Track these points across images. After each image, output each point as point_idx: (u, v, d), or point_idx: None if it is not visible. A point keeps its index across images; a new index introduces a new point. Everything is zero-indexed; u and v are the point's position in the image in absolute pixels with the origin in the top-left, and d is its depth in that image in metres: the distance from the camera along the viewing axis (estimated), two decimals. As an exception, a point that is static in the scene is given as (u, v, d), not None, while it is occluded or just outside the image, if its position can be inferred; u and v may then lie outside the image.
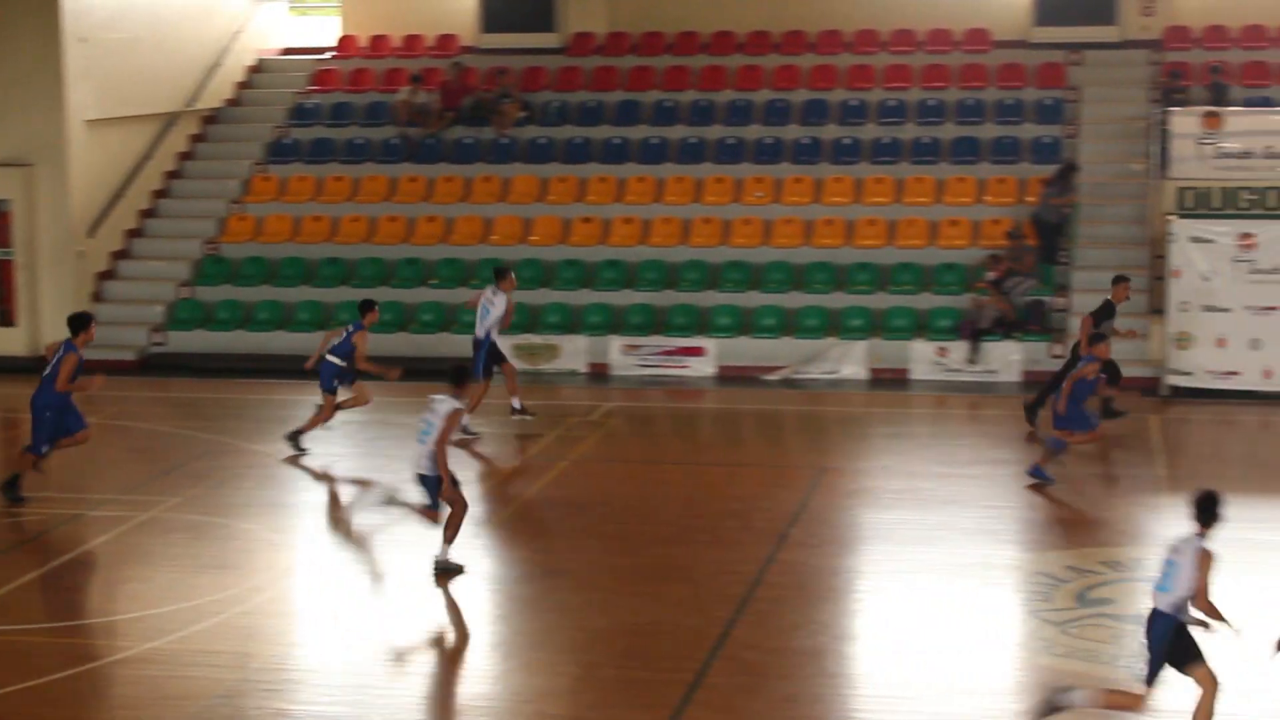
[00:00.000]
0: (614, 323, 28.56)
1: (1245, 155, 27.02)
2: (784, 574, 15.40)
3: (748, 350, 27.49)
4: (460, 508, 15.55)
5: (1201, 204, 26.79)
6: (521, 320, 27.74)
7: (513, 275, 22.69)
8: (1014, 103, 31.57)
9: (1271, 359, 24.71)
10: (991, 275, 26.98)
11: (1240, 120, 27.55)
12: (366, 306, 21.15)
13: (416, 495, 15.64)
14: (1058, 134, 30.58)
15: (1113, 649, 13.28)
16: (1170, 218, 25.94)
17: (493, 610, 14.84)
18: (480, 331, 22.24)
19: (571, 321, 28.59)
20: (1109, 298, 22.15)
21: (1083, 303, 26.69)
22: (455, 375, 15.69)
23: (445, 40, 35.34)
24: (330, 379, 20.88)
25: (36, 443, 18.11)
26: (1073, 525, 17.41)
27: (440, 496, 15.44)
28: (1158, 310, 25.77)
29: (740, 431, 24.17)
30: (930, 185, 29.97)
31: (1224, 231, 25.09)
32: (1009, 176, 29.79)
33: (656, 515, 17.93)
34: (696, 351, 27.48)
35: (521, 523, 17.87)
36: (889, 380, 26.51)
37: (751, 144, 31.51)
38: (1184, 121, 27.41)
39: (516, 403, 22.39)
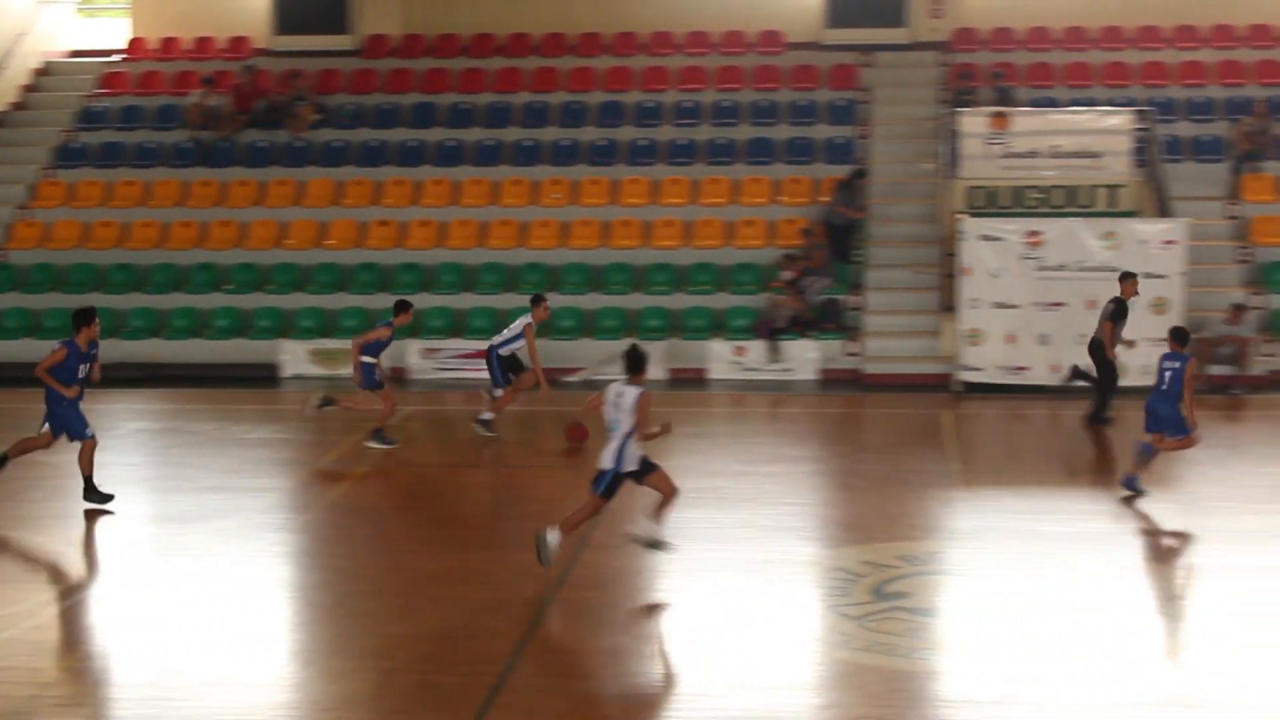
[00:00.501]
0: (411, 326, 28.39)
1: (1031, 155, 27.64)
2: (586, 575, 15.39)
3: (547, 352, 27.42)
4: (670, 490, 15.25)
5: (990, 203, 27.36)
6: (317, 325, 27.48)
7: (546, 304, 22.45)
8: (807, 104, 31.95)
9: (1059, 354, 25.28)
10: (787, 275, 27.27)
11: (1026, 121, 28.18)
12: (401, 306, 21.29)
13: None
14: (850, 135, 31.01)
15: (910, 641, 13.46)
16: (960, 216, 26.42)
17: (292, 617, 14.64)
18: (496, 340, 22.23)
19: (368, 325, 28.36)
20: (1118, 295, 21.87)
21: (877, 301, 27.13)
22: (632, 362, 14.96)
23: (237, 42, 34.87)
24: (371, 378, 20.98)
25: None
26: (869, 521, 17.62)
27: (648, 483, 15.15)
28: (948, 308, 26.23)
29: (541, 434, 24.12)
30: (726, 186, 30.23)
31: (1012, 230, 25.62)
32: (803, 177, 30.16)
33: (457, 519, 17.83)
34: (496, 354, 27.38)
35: (320, 529, 17.66)
36: (687, 380, 26.68)
37: (548, 146, 31.54)
38: (972, 122, 27.98)
39: (487, 415, 22.27)
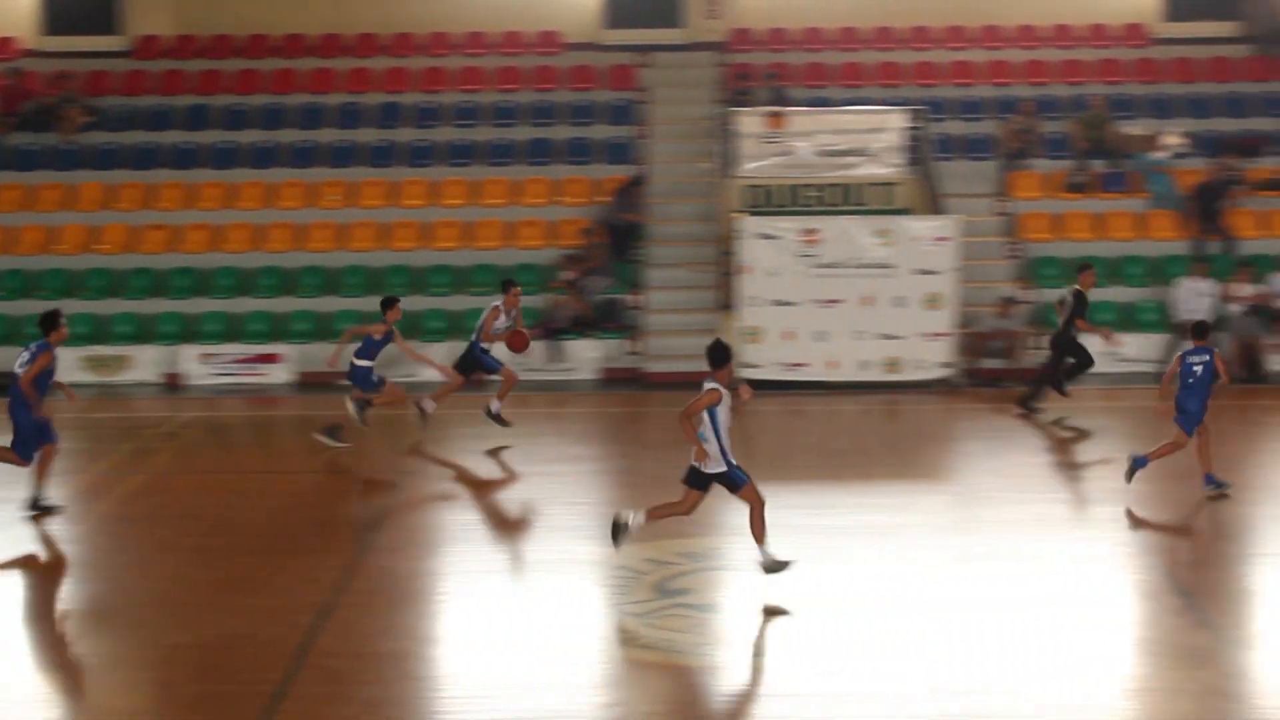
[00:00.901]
0: (187, 331, 27.96)
1: (807, 154, 28.05)
2: (367, 579, 15.32)
3: (326, 355, 27.22)
4: (758, 503, 14.69)
5: (767, 201, 27.72)
6: (89, 331, 26.94)
7: (518, 288, 22.31)
8: (586, 104, 32.09)
9: (836, 350, 25.70)
10: (568, 275, 27.36)
11: (802, 120, 28.60)
12: (388, 303, 21.11)
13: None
14: (629, 135, 31.21)
15: (693, 637, 13.61)
16: (737, 215, 26.73)
17: (68, 630, 14.37)
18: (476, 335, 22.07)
19: (143, 331, 27.88)
20: (1077, 287, 22.43)
21: (657, 300, 27.32)
22: (715, 356, 14.52)
23: (3, 43, 34.05)
24: (366, 380, 20.90)
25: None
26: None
27: (739, 494, 14.69)
28: (727, 306, 26.53)
29: (308, 440, 23.90)
30: (505, 187, 30.25)
31: (788, 228, 25.98)
32: (582, 177, 30.29)
33: (236, 527, 17.62)
34: (273, 359, 27.13)
35: (96, 538, 17.34)
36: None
37: (326, 148, 31.27)
38: (749, 122, 28.32)
39: (495, 405, 22.08)
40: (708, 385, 14.40)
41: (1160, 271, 27.65)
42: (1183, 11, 32.92)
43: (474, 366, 22.09)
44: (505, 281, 22.45)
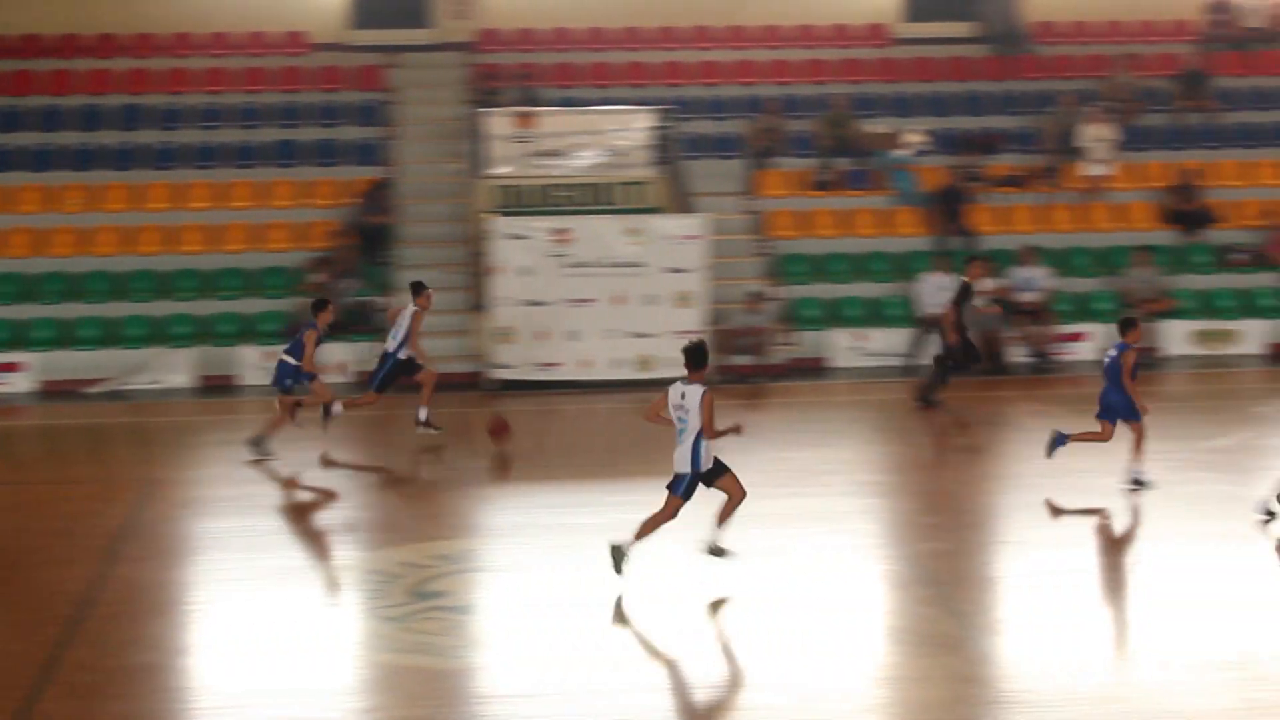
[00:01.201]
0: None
1: (557, 154, 28.11)
2: (116, 591, 15.01)
3: (69, 363, 26.63)
4: (739, 493, 15.10)
5: (518, 202, 27.73)
6: None
7: (430, 292, 21.66)
8: (333, 106, 31.79)
9: (589, 350, 25.82)
10: (318, 278, 27.07)
11: (551, 120, 28.66)
12: (319, 306, 20.65)
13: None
14: (378, 136, 30.98)
15: (448, 640, 13.58)
16: (487, 216, 26.70)
17: None
18: (391, 345, 21.37)
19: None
20: (965, 279, 23.13)
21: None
22: (694, 357, 14.72)
23: None
24: (284, 378, 20.40)
25: None
26: (405, 522, 17.69)
27: (719, 485, 15.01)
28: (479, 306, 26.48)
29: (65, 447, 23.38)
30: (252, 189, 29.81)
31: (539, 228, 26.02)
32: (331, 179, 30.00)
33: (-23, 540, 17.13)
34: (13, 368, 26.42)
35: None
36: (218, 387, 26.23)
37: (66, 151, 30.50)
38: (498, 122, 28.30)
39: (423, 414, 21.47)
40: (700, 388, 14.64)
41: (904, 267, 28.27)
42: (922, 12, 33.69)
43: (392, 379, 21.70)
44: (415, 284, 22.02)
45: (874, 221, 29.47)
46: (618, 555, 14.92)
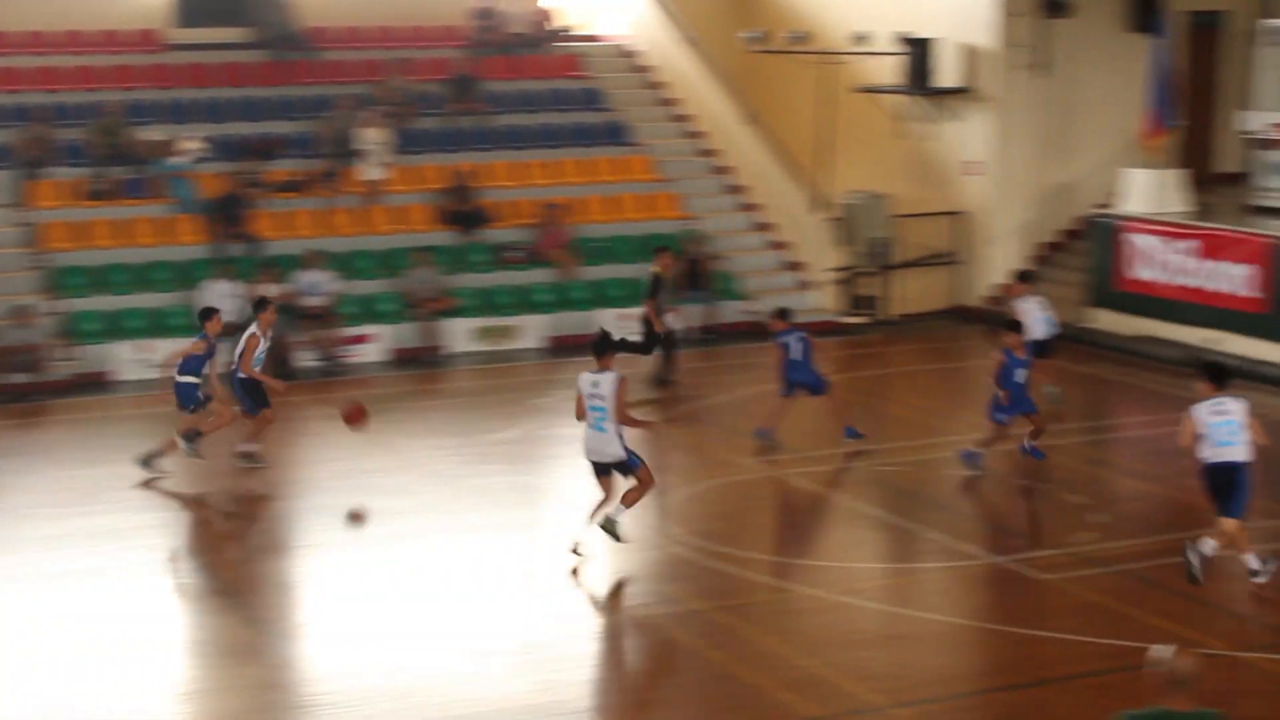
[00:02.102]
0: None
1: None
2: None
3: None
4: (650, 481, 15.92)
5: None
6: None
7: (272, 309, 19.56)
8: None
9: None
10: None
11: None
12: (206, 314, 19.66)
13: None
14: None
15: None
16: None
17: None
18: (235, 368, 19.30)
19: None
20: (656, 271, 24.12)
21: None
22: (600, 347, 15.80)
23: None
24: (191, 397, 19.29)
25: None
26: None
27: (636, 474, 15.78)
28: None
29: None
30: None
31: None
32: None
33: None
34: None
35: None
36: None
37: None
38: None
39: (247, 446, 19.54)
40: (613, 375, 15.56)
41: (187, 276, 27.85)
42: (194, 18, 33.25)
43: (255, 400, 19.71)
44: (260, 301, 20.26)
45: (154, 230, 28.90)
46: (610, 528, 15.93)
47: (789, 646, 14.13)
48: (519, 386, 24.55)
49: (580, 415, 15.89)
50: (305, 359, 26.22)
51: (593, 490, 16.33)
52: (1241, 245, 25.08)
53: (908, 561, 16.83)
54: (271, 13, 32.46)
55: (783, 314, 21.27)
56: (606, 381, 15.63)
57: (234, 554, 16.65)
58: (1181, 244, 26.00)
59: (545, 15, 33.93)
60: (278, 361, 25.88)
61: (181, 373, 19.71)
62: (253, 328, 19.67)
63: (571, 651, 14.01)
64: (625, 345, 16.11)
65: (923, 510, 18.26)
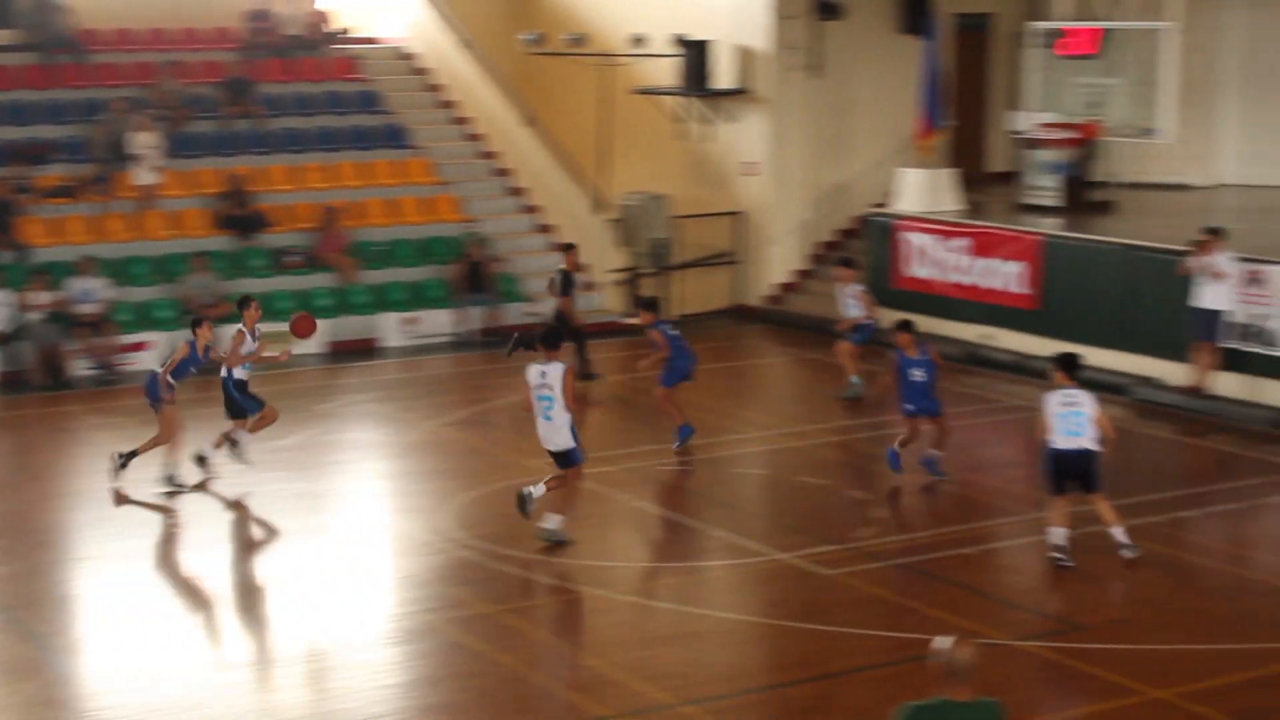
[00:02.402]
0: None
1: None
2: None
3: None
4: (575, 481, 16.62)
5: None
6: None
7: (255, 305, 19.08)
8: None
9: None
10: None
11: None
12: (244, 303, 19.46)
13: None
14: None
15: None
16: None
17: None
18: (224, 370, 19.36)
19: None
20: (564, 268, 24.77)
21: None
22: (547, 339, 16.38)
23: None
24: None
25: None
26: None
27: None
28: None
29: None
30: None
31: None
32: None
33: None
34: None
35: None
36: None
37: None
38: None
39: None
40: (561, 365, 16.08)
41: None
42: (-41, 19, 32.39)
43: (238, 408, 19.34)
44: (243, 299, 19.77)
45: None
46: (524, 502, 16.63)
47: (577, 647, 14.19)
48: (299, 392, 24.30)
49: (527, 407, 16.48)
50: (79, 367, 25.67)
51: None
52: (1012, 243, 25.67)
53: (694, 560, 16.97)
54: (40, 14, 31.70)
55: (651, 304, 21.28)
56: (554, 372, 16.17)
57: (10, 568, 16.23)
58: (954, 242, 26.56)
59: (321, 17, 33.58)
60: (49, 370, 25.33)
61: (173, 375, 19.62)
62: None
63: (359, 658, 13.92)
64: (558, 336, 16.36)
65: (708, 509, 18.44)
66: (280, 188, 30.15)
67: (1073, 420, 15.75)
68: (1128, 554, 15.99)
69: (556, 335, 16.68)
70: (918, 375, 19.09)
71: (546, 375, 16.18)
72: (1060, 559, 15.96)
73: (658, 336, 20.75)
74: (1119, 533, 16.05)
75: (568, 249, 25.76)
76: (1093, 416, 15.79)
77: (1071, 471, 15.91)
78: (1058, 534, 16.03)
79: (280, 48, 32.81)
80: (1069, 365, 16.15)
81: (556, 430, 16.31)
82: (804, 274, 30.69)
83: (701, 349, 28.05)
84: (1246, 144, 31.21)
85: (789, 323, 29.35)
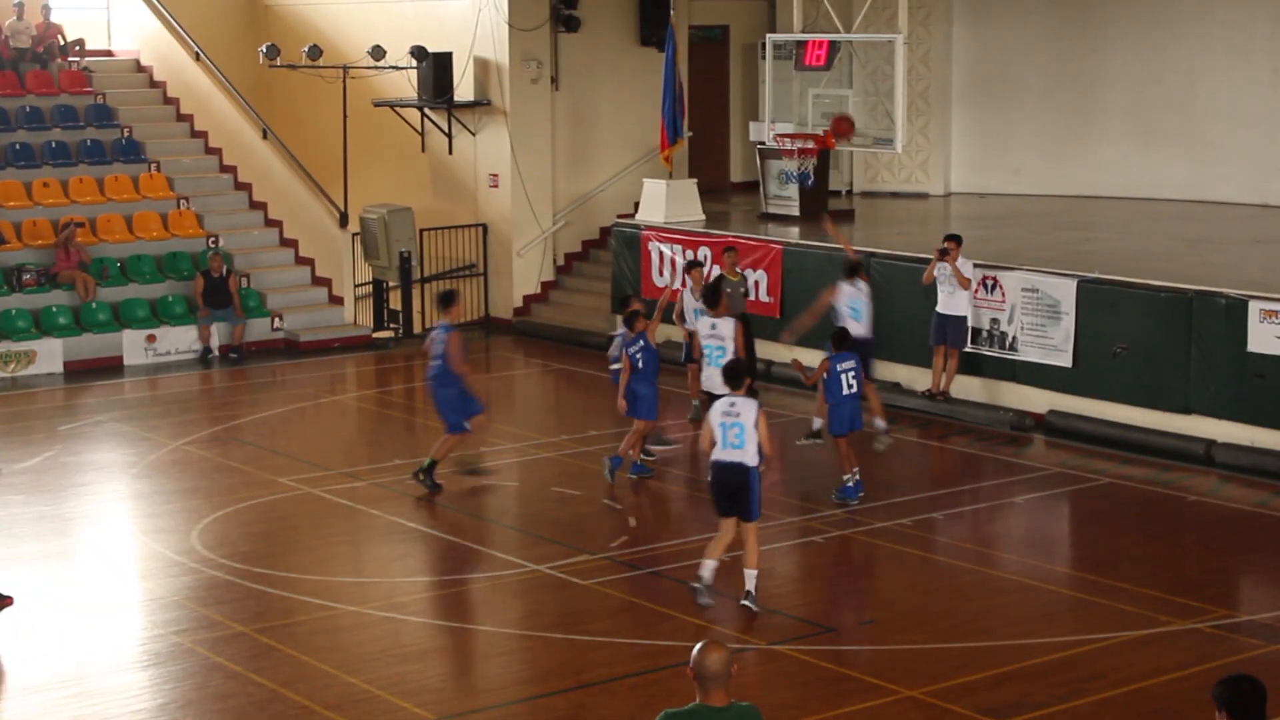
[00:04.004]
0: None
1: None
2: None
3: None
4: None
5: None
6: None
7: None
8: None
9: None
10: None
11: None
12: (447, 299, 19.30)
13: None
14: None
15: None
16: None
17: None
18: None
19: None
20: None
21: None
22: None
23: None
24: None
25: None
26: None
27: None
28: None
29: None
30: None
31: None
32: None
33: None
34: None
35: None
36: None
37: None
38: None
39: None
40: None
41: None
42: None
43: None
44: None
45: None
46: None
47: (335, 665, 14.04)
48: (39, 413, 23.68)
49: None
50: None
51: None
52: (753, 251, 26.03)
53: (449, 574, 16.92)
54: None
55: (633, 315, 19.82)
56: (439, 333, 18.57)
57: None
58: (697, 252, 26.84)
59: (53, 30, 32.72)
60: None
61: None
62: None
63: (112, 683, 13.63)
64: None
65: (463, 522, 18.39)
66: (13, 204, 29.30)
67: (733, 432, 14.75)
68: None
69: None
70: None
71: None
72: (700, 594, 15.12)
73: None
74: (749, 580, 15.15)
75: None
76: (752, 429, 14.73)
77: (728, 488, 14.88)
78: (708, 566, 15.07)
79: (10, 61, 31.91)
80: (732, 376, 15.11)
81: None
82: (550, 285, 30.79)
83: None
84: (975, 152, 32.12)
85: (537, 334, 29.42)
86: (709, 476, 15.17)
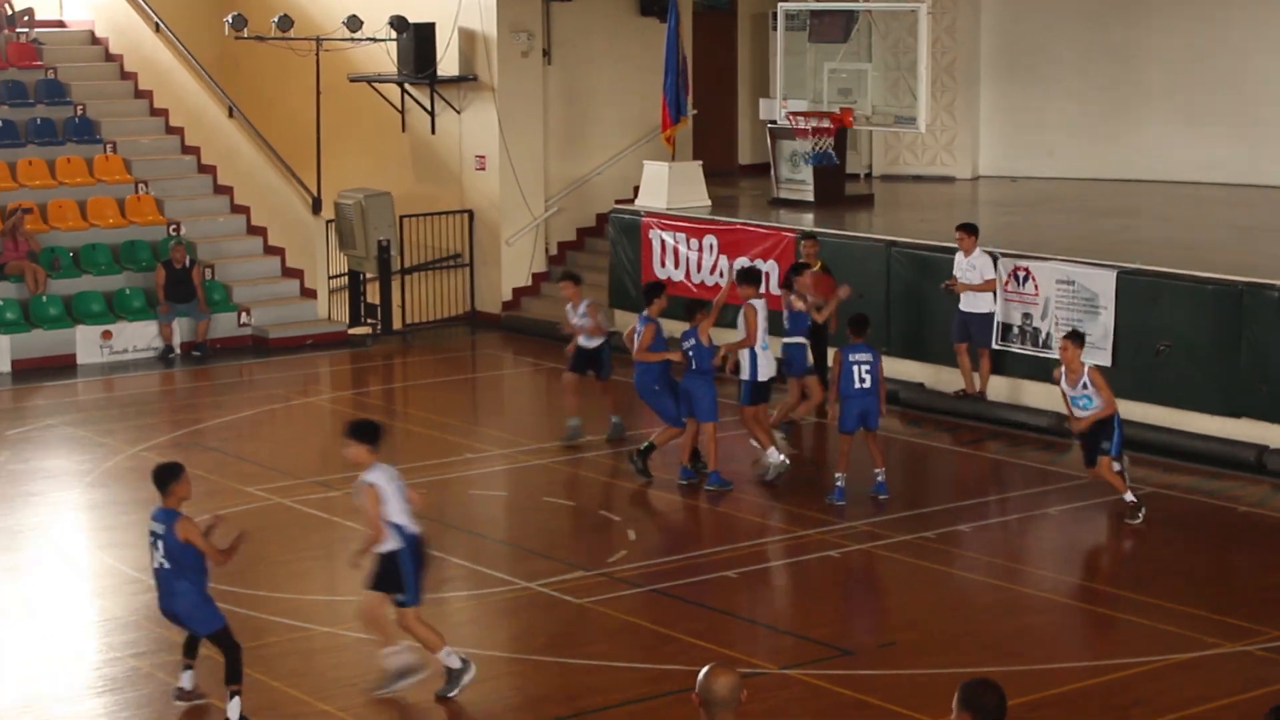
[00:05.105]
0: None
1: None
2: None
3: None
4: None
5: None
6: None
7: None
8: None
9: None
10: None
11: None
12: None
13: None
14: None
15: None
16: None
17: None
18: None
19: None
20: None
21: None
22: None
23: None
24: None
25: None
26: None
27: None
28: None
29: None
30: None
31: None
32: None
33: None
34: None
35: None
36: None
37: None
38: None
39: None
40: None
41: None
42: None
43: None
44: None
45: None
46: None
47: (307, 691, 14.06)
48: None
49: None
50: None
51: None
52: (762, 240, 26.04)
53: (432, 592, 16.90)
54: None
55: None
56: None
57: None
58: (702, 240, 26.85)
59: (-1, -1, 32.77)
60: None
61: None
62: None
63: (64, 711, 13.66)
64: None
65: (446, 535, 18.39)
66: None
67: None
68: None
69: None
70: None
71: None
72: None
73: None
74: None
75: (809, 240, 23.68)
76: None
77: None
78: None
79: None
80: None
81: None
82: (542, 277, 30.76)
83: (433, 361, 28.09)
84: (1005, 132, 32.09)
85: (528, 330, 29.36)
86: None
